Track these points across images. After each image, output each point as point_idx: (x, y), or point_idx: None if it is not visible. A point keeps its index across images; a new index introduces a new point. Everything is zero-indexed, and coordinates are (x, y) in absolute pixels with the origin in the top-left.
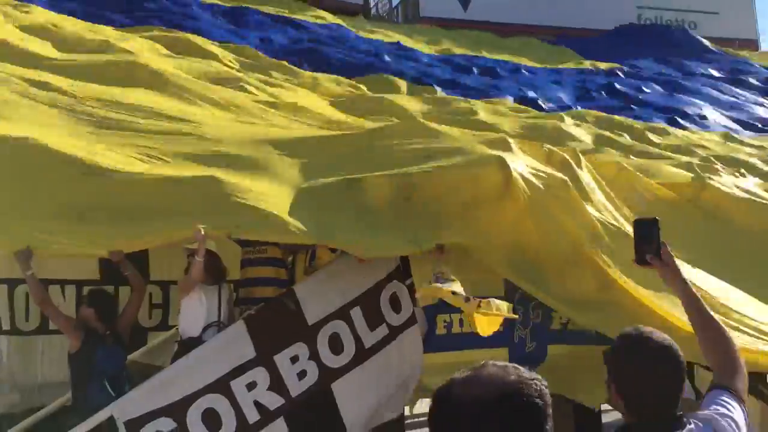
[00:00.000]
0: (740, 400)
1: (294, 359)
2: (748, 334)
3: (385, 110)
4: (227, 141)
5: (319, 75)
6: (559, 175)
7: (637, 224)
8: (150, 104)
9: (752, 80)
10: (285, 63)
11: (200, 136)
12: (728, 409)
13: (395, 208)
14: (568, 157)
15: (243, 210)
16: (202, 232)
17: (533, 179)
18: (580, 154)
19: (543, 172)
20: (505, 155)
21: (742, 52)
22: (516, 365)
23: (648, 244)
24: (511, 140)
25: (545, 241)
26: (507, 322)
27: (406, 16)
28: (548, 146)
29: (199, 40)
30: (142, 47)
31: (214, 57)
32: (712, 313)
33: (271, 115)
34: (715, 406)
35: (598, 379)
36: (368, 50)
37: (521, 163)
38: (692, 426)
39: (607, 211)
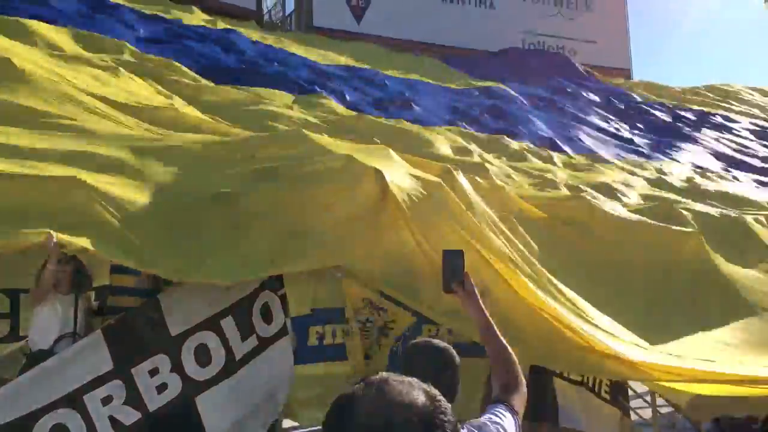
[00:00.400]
0: (514, 412)
1: (153, 372)
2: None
3: (270, 119)
4: (99, 141)
5: (203, 80)
6: (435, 178)
7: (446, 255)
8: (15, 99)
9: (623, 107)
10: (173, 64)
11: (71, 134)
12: (500, 418)
13: (265, 226)
14: (450, 167)
15: (102, 224)
16: (55, 239)
17: (412, 186)
18: (459, 170)
19: (422, 177)
20: (383, 165)
21: (617, 80)
22: (418, 380)
23: (454, 274)
24: (390, 150)
25: (424, 250)
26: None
27: (299, 25)
28: (428, 160)
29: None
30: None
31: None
32: (503, 340)
33: (147, 116)
34: (489, 415)
35: (473, 390)
36: (254, 58)
37: (400, 172)
38: (465, 431)
39: (485, 223)
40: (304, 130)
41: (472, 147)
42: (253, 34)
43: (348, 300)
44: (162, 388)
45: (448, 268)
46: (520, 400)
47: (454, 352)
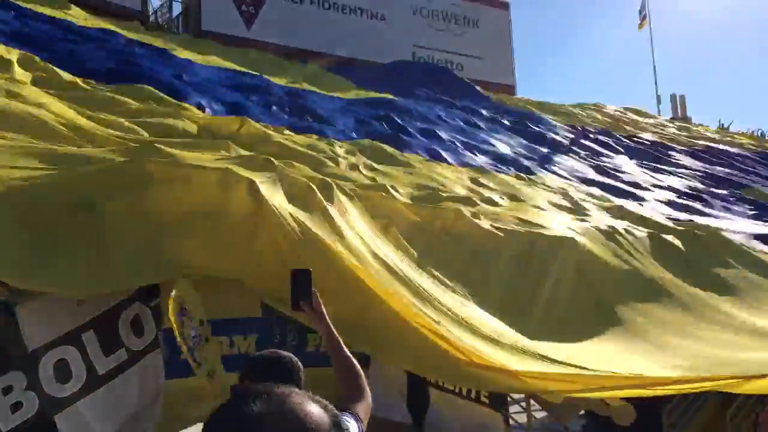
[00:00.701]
0: (358, 419)
1: (7, 390)
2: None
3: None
4: None
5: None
6: (315, 190)
7: (294, 274)
8: None
9: (509, 122)
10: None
11: None
12: (345, 425)
13: (126, 236)
14: (329, 180)
15: None
16: None
17: (291, 197)
18: (335, 183)
19: (301, 190)
20: (262, 177)
21: (501, 95)
22: (304, 391)
23: (302, 292)
24: (275, 160)
25: (303, 261)
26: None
27: (187, 28)
28: (308, 170)
29: None
30: None
31: None
32: (348, 352)
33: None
34: None
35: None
36: (132, 59)
37: (279, 185)
38: None
39: (368, 238)
40: (158, 146)
41: (363, 159)
42: (134, 35)
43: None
44: (17, 406)
45: (296, 288)
46: (364, 408)
47: (297, 361)
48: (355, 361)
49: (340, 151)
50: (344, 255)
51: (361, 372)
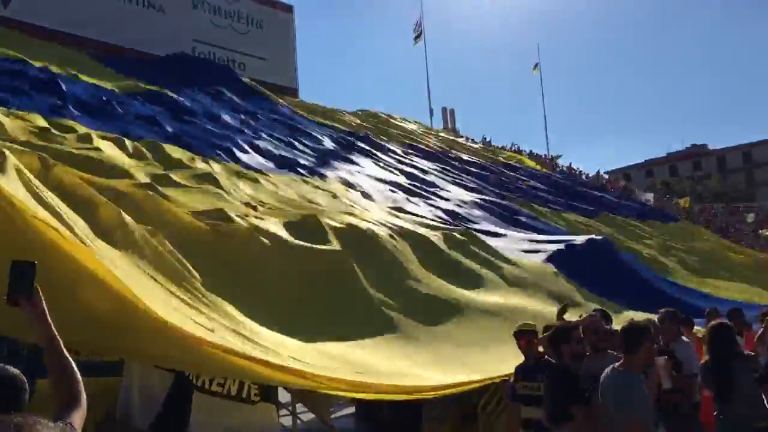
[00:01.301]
0: (73, 429)
1: None
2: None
3: None
4: None
5: None
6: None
7: (14, 266)
8: None
9: (287, 124)
10: None
11: None
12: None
13: None
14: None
15: None
16: None
17: (29, 188)
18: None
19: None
20: None
21: (284, 98)
22: (40, 418)
23: (22, 286)
24: (7, 151)
25: (52, 258)
26: None
27: None
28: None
29: None
30: None
31: None
32: (68, 357)
33: None
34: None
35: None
36: None
37: (14, 176)
38: None
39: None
40: None
41: (128, 154)
42: None
43: None
44: None
45: (15, 281)
46: (80, 416)
47: (25, 381)
48: (74, 367)
49: (104, 146)
50: (93, 258)
51: (79, 378)
